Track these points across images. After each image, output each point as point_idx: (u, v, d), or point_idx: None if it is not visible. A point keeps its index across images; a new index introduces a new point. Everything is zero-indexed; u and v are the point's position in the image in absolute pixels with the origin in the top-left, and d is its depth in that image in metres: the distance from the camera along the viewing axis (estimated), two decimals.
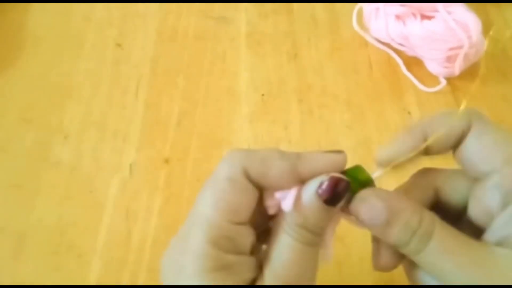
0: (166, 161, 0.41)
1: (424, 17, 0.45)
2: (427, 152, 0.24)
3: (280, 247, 0.23)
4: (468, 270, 0.21)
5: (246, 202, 0.23)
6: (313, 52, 0.49)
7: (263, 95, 0.45)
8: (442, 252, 0.22)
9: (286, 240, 0.23)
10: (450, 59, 0.44)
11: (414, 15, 0.45)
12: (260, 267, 0.23)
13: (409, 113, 0.44)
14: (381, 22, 0.47)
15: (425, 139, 0.24)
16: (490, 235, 0.22)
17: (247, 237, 0.23)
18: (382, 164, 0.25)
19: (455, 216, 0.25)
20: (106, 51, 0.48)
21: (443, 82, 0.46)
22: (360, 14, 0.50)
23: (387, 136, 0.43)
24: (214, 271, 0.21)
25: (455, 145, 0.24)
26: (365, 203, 0.22)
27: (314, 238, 0.23)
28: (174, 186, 0.39)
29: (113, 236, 0.36)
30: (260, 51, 0.49)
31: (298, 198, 0.23)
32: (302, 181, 0.23)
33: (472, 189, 0.24)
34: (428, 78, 0.47)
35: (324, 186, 0.22)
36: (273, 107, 0.44)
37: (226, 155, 0.23)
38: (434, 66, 0.46)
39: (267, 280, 0.22)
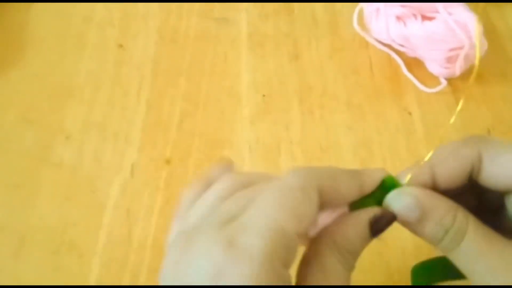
0: (167, 161, 0.41)
1: (424, 18, 0.45)
2: (437, 187, 0.24)
3: (327, 271, 0.21)
4: (500, 273, 0.21)
5: (312, 215, 0.21)
6: (314, 53, 0.49)
7: (264, 95, 0.45)
8: (474, 252, 0.22)
9: (334, 266, 0.21)
10: (450, 60, 0.44)
11: (414, 16, 0.45)
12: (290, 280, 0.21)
13: (409, 113, 0.44)
14: (381, 23, 0.47)
15: (433, 176, 0.24)
16: None
17: (296, 251, 0.21)
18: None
19: (494, 200, 0.25)
20: (107, 51, 0.48)
21: (444, 82, 0.46)
22: (360, 14, 0.50)
23: (387, 136, 0.43)
24: (270, 281, 0.19)
25: (470, 177, 0.24)
26: (399, 201, 0.23)
27: (354, 264, 0.22)
28: (175, 187, 0.39)
29: (114, 236, 0.36)
30: (261, 52, 0.49)
31: (346, 224, 0.23)
32: None
33: (508, 203, 0.24)
34: (428, 78, 0.47)
35: (381, 223, 0.22)
36: (274, 108, 0.45)
37: (295, 171, 0.22)
38: (435, 66, 0.46)
39: None
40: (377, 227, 0.22)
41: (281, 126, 0.43)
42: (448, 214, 0.22)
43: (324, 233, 0.22)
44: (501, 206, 0.25)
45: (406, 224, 0.23)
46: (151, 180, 0.39)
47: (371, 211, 0.23)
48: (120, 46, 0.49)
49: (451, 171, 0.24)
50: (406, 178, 0.24)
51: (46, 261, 0.35)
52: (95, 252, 0.35)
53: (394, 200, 0.23)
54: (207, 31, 0.51)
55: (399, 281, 0.34)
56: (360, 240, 0.22)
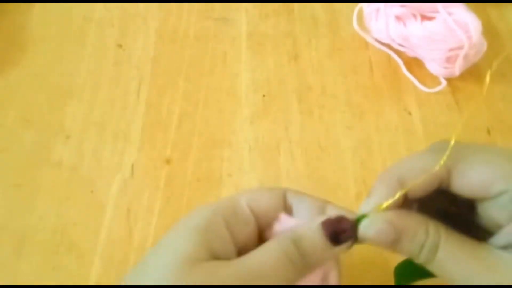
0: (167, 161, 0.41)
1: (424, 17, 0.45)
2: (407, 198, 0.25)
3: (264, 247, 0.23)
4: (478, 275, 0.22)
5: (269, 202, 0.26)
6: (314, 52, 0.49)
7: (263, 95, 0.45)
8: (451, 261, 0.23)
9: (273, 246, 0.23)
10: (450, 60, 0.44)
11: (414, 15, 0.45)
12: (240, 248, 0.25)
13: (409, 113, 0.44)
14: (381, 22, 0.47)
15: (401, 186, 0.24)
16: (496, 240, 0.23)
17: (249, 226, 0.25)
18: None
19: (466, 201, 0.25)
20: (107, 51, 0.48)
21: (444, 82, 0.46)
22: (360, 14, 0.50)
23: (387, 136, 0.43)
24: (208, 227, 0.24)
25: (438, 187, 0.25)
26: (372, 228, 0.24)
27: (302, 262, 0.23)
28: (175, 186, 0.39)
29: (114, 236, 0.36)
30: (261, 51, 0.49)
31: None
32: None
33: (479, 206, 0.25)
34: (428, 78, 0.47)
35: (330, 220, 0.24)
36: (274, 108, 0.45)
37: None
38: (435, 66, 0.46)
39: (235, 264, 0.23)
40: (328, 229, 0.24)
41: (281, 126, 0.43)
42: (419, 230, 0.23)
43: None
44: (473, 207, 0.26)
45: (383, 247, 0.24)
46: (151, 180, 0.39)
47: (324, 217, 0.24)
48: (120, 46, 0.49)
49: (421, 187, 0.25)
50: (372, 207, 0.25)
51: (46, 261, 0.35)
52: (95, 252, 0.35)
53: (368, 229, 0.24)
54: (206, 31, 0.51)
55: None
56: (310, 238, 0.24)
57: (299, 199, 0.26)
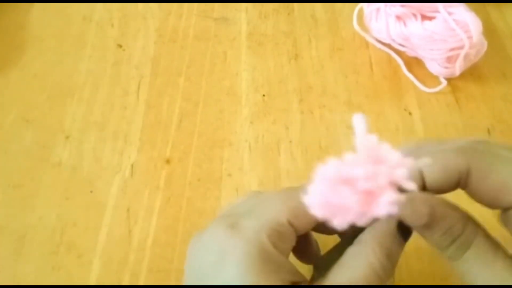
0: (167, 161, 0.41)
1: (424, 17, 0.45)
2: (425, 188, 0.25)
3: (357, 271, 0.23)
4: (500, 283, 0.22)
5: (311, 217, 0.23)
6: (314, 52, 0.49)
7: (263, 95, 0.45)
8: (477, 263, 0.22)
9: (367, 270, 0.23)
10: (450, 60, 0.44)
11: (414, 15, 0.45)
12: (295, 273, 0.24)
13: (410, 113, 0.44)
14: (381, 22, 0.47)
15: (422, 178, 0.24)
16: None
17: (292, 242, 0.24)
18: None
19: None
20: (107, 51, 0.48)
21: (444, 82, 0.46)
22: (360, 14, 0.50)
23: (387, 136, 0.43)
24: (260, 260, 0.22)
25: (456, 186, 0.24)
26: (410, 205, 0.23)
27: (393, 271, 0.23)
28: (174, 186, 0.39)
29: (114, 236, 0.36)
30: (261, 51, 0.49)
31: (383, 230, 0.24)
32: None
33: (505, 216, 0.24)
34: (428, 78, 0.47)
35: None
36: (274, 107, 0.44)
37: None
38: (435, 66, 0.46)
39: None
40: (405, 229, 0.24)
41: (281, 126, 0.43)
42: (457, 224, 0.22)
43: (358, 240, 0.24)
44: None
45: (414, 228, 0.23)
46: (151, 180, 0.39)
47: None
48: (120, 46, 0.49)
49: (437, 179, 0.24)
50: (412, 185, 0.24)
51: (45, 261, 0.35)
52: (95, 252, 0.35)
53: (405, 205, 0.23)
54: (206, 30, 0.51)
55: (399, 281, 0.34)
56: (395, 245, 0.24)
57: None
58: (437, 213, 0.22)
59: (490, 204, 0.24)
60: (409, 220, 0.23)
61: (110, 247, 0.36)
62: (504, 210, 0.23)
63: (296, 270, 0.24)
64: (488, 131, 0.43)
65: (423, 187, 0.24)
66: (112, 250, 0.36)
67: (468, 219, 0.23)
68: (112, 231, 0.36)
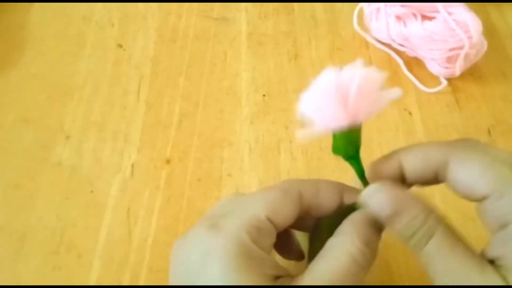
0: (167, 161, 0.41)
1: (424, 17, 0.45)
2: (405, 182, 0.26)
3: (336, 261, 0.24)
4: (455, 278, 0.22)
5: (289, 212, 0.25)
6: (314, 52, 0.49)
7: (263, 95, 0.45)
8: (436, 254, 0.23)
9: (346, 257, 0.23)
10: (450, 60, 0.44)
11: (414, 15, 0.45)
12: (277, 267, 0.24)
13: (410, 113, 0.44)
14: (381, 22, 0.47)
15: (400, 169, 0.25)
16: (487, 251, 0.23)
17: (272, 237, 0.25)
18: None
19: None
20: (107, 51, 0.48)
21: (444, 82, 0.46)
22: (360, 14, 0.50)
23: (387, 136, 0.43)
24: (242, 257, 0.23)
25: (436, 178, 0.25)
26: (372, 198, 0.24)
27: (373, 260, 0.24)
28: (175, 186, 0.39)
29: (114, 236, 0.36)
30: (261, 51, 0.49)
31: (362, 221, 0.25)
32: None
33: (480, 208, 0.24)
34: (428, 78, 0.47)
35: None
36: (274, 107, 0.44)
37: (284, 179, 0.28)
38: (435, 66, 0.46)
39: (306, 282, 0.23)
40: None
41: (281, 126, 0.43)
42: (418, 217, 0.23)
43: (338, 231, 0.25)
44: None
45: (378, 217, 0.24)
46: (151, 180, 0.39)
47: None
48: (120, 45, 0.49)
49: (416, 169, 0.25)
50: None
51: (45, 261, 0.35)
52: (95, 252, 0.35)
53: (368, 196, 0.24)
54: (206, 30, 0.51)
55: (399, 281, 0.34)
56: (374, 233, 0.25)
57: (315, 193, 0.27)
58: (399, 205, 0.23)
59: (466, 196, 0.24)
60: (373, 211, 0.24)
61: (110, 247, 0.36)
62: (479, 201, 0.24)
63: (278, 264, 0.24)
64: (488, 131, 0.43)
65: (403, 179, 0.25)
66: (112, 250, 0.36)
67: (431, 212, 0.23)
68: (112, 231, 0.36)
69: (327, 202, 0.27)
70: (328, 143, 0.43)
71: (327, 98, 0.23)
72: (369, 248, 0.24)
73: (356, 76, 0.23)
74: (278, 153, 0.41)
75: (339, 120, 0.24)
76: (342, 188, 0.28)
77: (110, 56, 0.48)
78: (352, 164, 0.26)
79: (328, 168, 0.40)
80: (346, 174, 0.40)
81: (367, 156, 0.41)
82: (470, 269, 0.22)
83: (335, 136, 0.26)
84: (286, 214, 0.25)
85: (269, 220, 0.24)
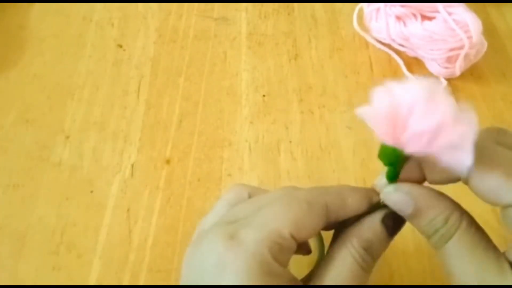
0: (167, 161, 0.41)
1: (424, 17, 0.45)
2: (424, 180, 0.25)
3: (340, 266, 0.24)
4: (472, 278, 0.22)
5: (313, 226, 0.24)
6: (314, 52, 0.49)
7: (263, 95, 0.45)
8: (456, 253, 0.23)
9: (348, 262, 0.24)
10: (450, 60, 0.44)
11: (414, 15, 0.45)
12: (292, 280, 0.24)
13: None
14: (381, 22, 0.47)
15: (420, 170, 0.25)
16: (508, 253, 0.23)
17: (292, 252, 0.24)
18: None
19: None
20: (107, 51, 0.48)
21: (444, 82, 0.46)
22: (360, 14, 0.50)
23: None
24: (261, 274, 0.22)
25: (458, 178, 0.24)
26: (393, 197, 0.24)
27: (372, 264, 0.24)
28: (175, 186, 0.39)
29: (114, 236, 0.36)
30: (261, 51, 0.49)
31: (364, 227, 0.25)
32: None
33: (504, 214, 0.24)
34: (428, 78, 0.46)
35: (393, 220, 0.25)
36: (274, 107, 0.44)
37: (307, 188, 0.26)
38: (435, 66, 0.46)
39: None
40: (389, 224, 0.25)
41: (281, 126, 0.43)
42: (440, 216, 0.23)
43: (343, 234, 0.25)
44: None
45: (404, 216, 0.24)
46: (151, 180, 0.39)
47: (382, 211, 0.25)
48: (120, 46, 0.49)
49: (438, 175, 0.25)
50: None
51: (45, 261, 0.35)
52: (95, 252, 0.35)
53: (388, 196, 0.25)
54: (206, 30, 0.51)
55: (399, 281, 0.34)
56: (377, 239, 0.25)
57: (342, 206, 0.25)
58: (421, 203, 0.24)
59: (490, 201, 0.24)
60: (396, 210, 0.24)
61: (110, 247, 0.36)
62: (503, 208, 0.23)
63: (293, 277, 0.24)
64: None
65: (423, 179, 0.25)
66: (112, 250, 0.36)
67: (453, 211, 0.23)
68: (112, 231, 0.36)
69: (355, 212, 0.26)
70: (328, 143, 0.43)
71: (381, 114, 0.23)
72: (369, 254, 0.24)
73: (416, 98, 0.22)
74: (278, 153, 0.41)
75: (386, 138, 0.23)
76: (368, 195, 0.26)
77: (110, 56, 0.48)
78: (389, 169, 0.25)
79: (328, 168, 0.40)
80: (346, 174, 0.40)
81: (367, 156, 0.41)
82: (488, 269, 0.22)
83: (382, 145, 0.25)
84: (310, 230, 0.24)
85: (292, 237, 0.23)
